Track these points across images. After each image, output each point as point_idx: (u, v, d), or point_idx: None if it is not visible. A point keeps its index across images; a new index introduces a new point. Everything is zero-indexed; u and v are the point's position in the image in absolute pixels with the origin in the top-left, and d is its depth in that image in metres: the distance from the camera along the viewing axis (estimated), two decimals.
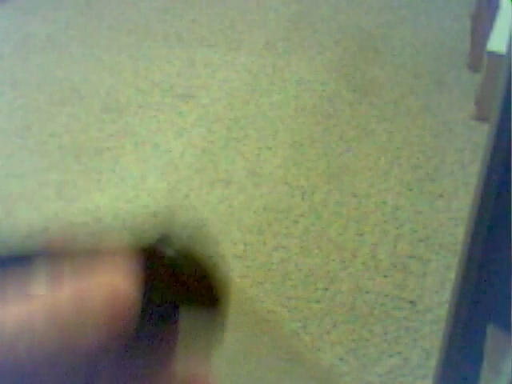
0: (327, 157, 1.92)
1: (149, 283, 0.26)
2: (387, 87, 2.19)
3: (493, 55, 1.90)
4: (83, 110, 2.05)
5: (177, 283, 0.27)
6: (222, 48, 2.37)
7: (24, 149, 1.90)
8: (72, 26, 2.45)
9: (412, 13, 2.57)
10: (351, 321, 1.51)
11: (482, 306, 1.01)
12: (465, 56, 2.30)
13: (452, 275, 1.39)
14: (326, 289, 1.57)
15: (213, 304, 0.28)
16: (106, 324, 0.24)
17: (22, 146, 1.91)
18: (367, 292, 1.56)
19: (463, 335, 1.04)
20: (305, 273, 1.60)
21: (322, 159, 1.91)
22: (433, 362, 1.35)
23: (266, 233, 1.69)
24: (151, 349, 0.28)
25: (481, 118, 2.01)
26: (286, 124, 2.03)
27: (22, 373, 0.23)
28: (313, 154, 1.93)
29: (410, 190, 1.83)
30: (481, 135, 1.91)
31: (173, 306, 0.27)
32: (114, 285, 0.24)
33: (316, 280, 1.58)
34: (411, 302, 1.55)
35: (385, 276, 1.60)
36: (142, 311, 0.25)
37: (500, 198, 0.94)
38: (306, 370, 1.43)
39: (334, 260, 1.63)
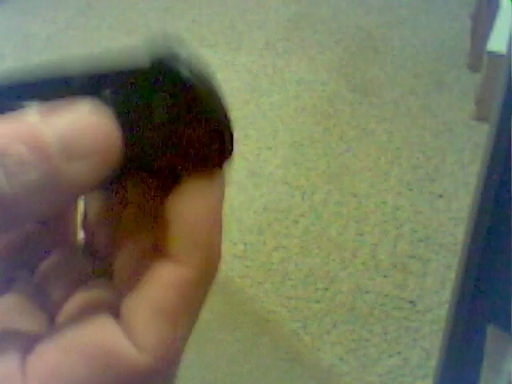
0: (327, 157, 1.92)
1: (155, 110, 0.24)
2: (387, 87, 2.18)
3: (493, 55, 1.90)
4: None
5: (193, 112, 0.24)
6: (221, 48, 2.37)
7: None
8: (72, 26, 2.45)
9: (412, 13, 2.57)
10: (351, 321, 1.51)
11: (481, 306, 1.01)
12: (465, 56, 2.30)
13: (452, 275, 1.39)
14: (326, 289, 1.57)
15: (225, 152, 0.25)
16: (92, 157, 0.23)
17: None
18: (367, 292, 1.56)
19: (463, 335, 1.04)
20: (305, 273, 1.60)
21: (321, 159, 1.91)
22: (433, 362, 1.35)
23: (266, 233, 1.69)
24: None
25: (481, 118, 2.01)
26: (285, 124, 2.03)
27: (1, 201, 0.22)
28: (313, 154, 1.93)
29: (410, 190, 1.83)
30: (481, 135, 1.91)
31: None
32: (95, 116, 0.23)
33: (316, 280, 1.58)
34: (411, 302, 1.55)
35: (385, 276, 1.60)
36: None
37: (500, 198, 0.94)
38: (306, 369, 1.43)
39: (334, 260, 1.63)
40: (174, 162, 0.25)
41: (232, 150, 0.26)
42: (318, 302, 1.54)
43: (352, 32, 2.46)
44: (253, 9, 2.59)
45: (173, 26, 2.47)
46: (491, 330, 0.99)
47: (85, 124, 0.23)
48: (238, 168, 1.86)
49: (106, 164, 0.23)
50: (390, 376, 1.41)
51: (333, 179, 1.84)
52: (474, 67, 2.22)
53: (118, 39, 2.37)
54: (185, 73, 0.25)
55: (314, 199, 1.78)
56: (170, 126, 0.24)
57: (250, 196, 1.78)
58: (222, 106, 0.25)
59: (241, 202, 1.76)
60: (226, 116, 0.25)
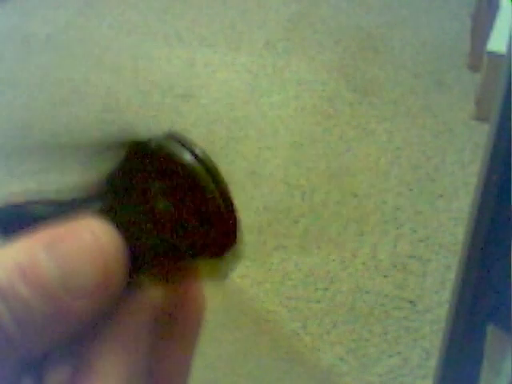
0: (327, 157, 1.92)
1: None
2: (387, 87, 2.18)
3: (493, 55, 1.90)
4: (83, 110, 2.05)
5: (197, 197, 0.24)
6: (222, 48, 2.36)
7: (24, 149, 1.89)
8: (72, 26, 2.45)
9: (412, 13, 2.57)
10: (351, 321, 1.51)
11: (481, 306, 1.01)
12: (465, 56, 2.30)
13: (452, 275, 1.39)
14: (326, 289, 1.57)
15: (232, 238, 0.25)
16: (96, 285, 0.22)
17: (22, 145, 1.91)
18: (367, 292, 1.56)
19: (463, 335, 1.04)
20: (305, 273, 1.60)
21: (321, 159, 1.91)
22: (433, 362, 1.35)
23: (266, 233, 1.69)
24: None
25: (481, 118, 2.01)
26: (285, 124, 2.02)
27: (8, 342, 0.22)
28: (313, 154, 1.93)
29: (410, 190, 1.83)
30: (481, 135, 1.91)
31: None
32: (96, 238, 0.23)
33: (316, 280, 1.58)
34: (411, 302, 1.55)
35: (385, 276, 1.60)
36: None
37: (500, 198, 0.94)
38: (306, 369, 1.43)
39: (334, 260, 1.63)
40: (179, 252, 0.24)
41: (236, 236, 0.25)
42: (318, 302, 1.54)
43: (352, 32, 2.46)
44: (253, 9, 2.59)
45: (173, 26, 2.47)
46: (491, 330, 0.99)
47: (88, 252, 0.23)
48: (237, 168, 1.86)
49: (112, 290, 0.23)
50: (390, 376, 1.41)
51: (333, 179, 1.84)
52: (474, 67, 2.22)
53: (118, 39, 2.37)
54: (187, 157, 0.24)
55: (314, 199, 1.78)
56: (172, 215, 0.24)
57: (250, 196, 1.78)
58: (225, 192, 0.25)
59: (241, 202, 1.76)
60: (229, 201, 0.25)
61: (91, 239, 0.23)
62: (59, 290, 0.22)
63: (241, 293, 1.56)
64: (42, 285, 0.22)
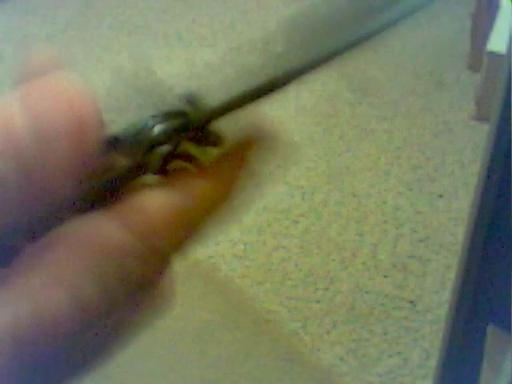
0: (327, 157, 1.92)
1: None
2: (387, 87, 2.18)
3: (493, 55, 1.90)
4: None
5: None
6: (222, 48, 2.36)
7: None
8: (72, 26, 2.45)
9: None
10: (351, 321, 1.51)
11: (482, 306, 1.01)
12: (465, 56, 2.30)
13: (452, 275, 1.39)
14: (326, 289, 1.57)
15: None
16: (66, 139, 0.21)
17: None
18: (367, 292, 1.56)
19: (463, 335, 1.04)
20: (305, 273, 1.60)
21: (321, 159, 1.91)
22: (433, 362, 1.35)
23: (266, 233, 1.69)
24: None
25: (481, 118, 2.01)
26: (285, 124, 2.03)
27: None
28: (313, 154, 1.93)
29: (410, 190, 1.83)
30: (481, 135, 1.91)
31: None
32: (70, 95, 0.22)
33: (316, 280, 1.58)
34: (411, 302, 1.55)
35: (385, 276, 1.60)
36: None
37: (500, 198, 0.94)
38: (306, 370, 1.43)
39: (334, 260, 1.63)
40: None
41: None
42: (318, 302, 1.54)
43: None
44: (253, 9, 2.59)
45: (173, 26, 2.47)
46: (491, 330, 0.99)
47: (61, 105, 0.22)
48: None
49: (83, 147, 0.22)
50: (390, 376, 1.41)
51: (333, 179, 1.84)
52: (474, 67, 2.22)
53: (118, 39, 2.37)
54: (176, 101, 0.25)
55: (314, 199, 1.78)
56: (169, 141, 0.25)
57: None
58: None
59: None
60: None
61: (68, 95, 0.22)
62: (28, 142, 0.21)
63: (241, 293, 1.56)
64: (11, 137, 0.21)
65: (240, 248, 1.65)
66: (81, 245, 0.22)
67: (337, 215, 1.74)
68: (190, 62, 2.29)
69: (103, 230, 0.23)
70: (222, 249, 1.64)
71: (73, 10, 2.55)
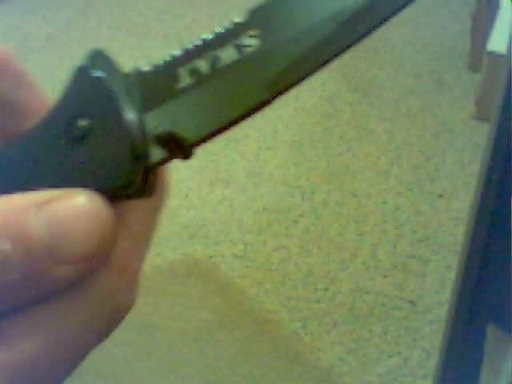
0: (327, 157, 1.92)
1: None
2: (387, 87, 2.18)
3: (493, 55, 1.90)
4: None
5: None
6: None
7: None
8: (72, 26, 2.45)
9: (412, 13, 2.57)
10: (351, 321, 1.51)
11: (481, 306, 1.01)
12: (465, 56, 2.30)
13: (452, 275, 1.39)
14: (326, 289, 1.57)
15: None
16: (86, 253, 0.21)
17: None
18: (367, 292, 1.56)
19: (463, 335, 1.04)
20: (305, 273, 1.60)
21: (321, 159, 1.91)
22: (433, 362, 1.35)
23: (266, 233, 1.69)
24: None
25: (481, 118, 2.01)
26: (285, 124, 2.02)
27: None
28: (313, 154, 1.93)
29: (410, 190, 1.83)
30: (481, 135, 1.91)
31: None
32: (93, 204, 0.21)
33: (316, 280, 1.58)
34: (411, 302, 1.55)
35: (385, 276, 1.60)
36: None
37: (500, 198, 0.94)
38: (306, 369, 1.43)
39: (333, 260, 1.63)
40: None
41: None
42: (317, 302, 1.54)
43: None
44: None
45: (173, 26, 2.47)
46: (491, 330, 0.99)
47: (78, 222, 0.21)
48: (237, 168, 1.86)
49: (96, 265, 0.22)
50: (390, 376, 1.41)
51: (333, 179, 1.84)
52: (474, 67, 2.22)
53: (118, 39, 2.37)
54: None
55: (314, 199, 1.78)
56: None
57: (250, 196, 1.78)
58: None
59: (241, 202, 1.76)
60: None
61: (88, 205, 0.21)
62: (43, 252, 0.21)
63: (241, 293, 1.56)
64: (26, 242, 0.20)
65: (240, 248, 1.65)
66: None
67: (337, 215, 1.74)
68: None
69: None
70: (222, 249, 1.64)
71: (73, 10, 2.55)
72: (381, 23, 0.25)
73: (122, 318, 0.24)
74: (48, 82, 2.09)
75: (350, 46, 0.25)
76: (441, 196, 1.81)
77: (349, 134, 2.00)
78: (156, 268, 1.58)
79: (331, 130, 2.01)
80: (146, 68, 0.26)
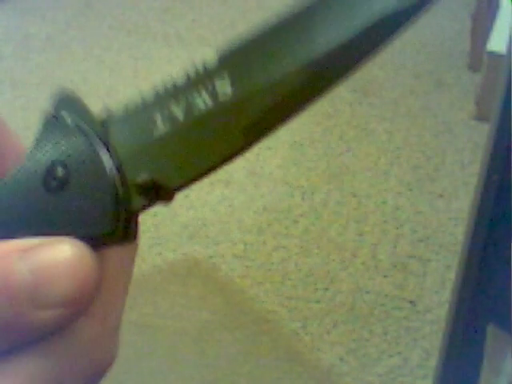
0: (327, 157, 1.92)
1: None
2: (387, 87, 2.18)
3: (493, 55, 1.90)
4: None
5: None
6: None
7: None
8: (72, 26, 2.45)
9: None
10: (351, 321, 1.51)
11: (482, 306, 1.01)
12: (465, 56, 2.30)
13: (452, 275, 1.39)
14: (326, 289, 1.57)
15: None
16: (69, 300, 0.21)
17: None
18: (367, 292, 1.56)
19: (463, 335, 1.04)
20: (305, 273, 1.60)
21: (321, 159, 1.91)
22: (433, 362, 1.35)
23: (266, 233, 1.69)
24: None
25: (481, 118, 2.01)
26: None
27: None
28: (313, 154, 1.93)
29: (410, 189, 1.83)
30: (481, 135, 1.91)
31: None
32: (77, 252, 0.22)
33: (316, 280, 1.58)
34: (411, 302, 1.55)
35: (385, 276, 1.60)
36: None
37: (500, 198, 0.94)
38: (306, 369, 1.43)
39: (334, 260, 1.63)
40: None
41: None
42: (317, 302, 1.54)
43: None
44: (253, 9, 2.59)
45: (173, 26, 2.47)
46: (491, 330, 0.99)
47: (62, 267, 0.21)
48: (237, 168, 1.86)
49: (78, 312, 0.22)
50: (390, 376, 1.41)
51: (333, 179, 1.84)
52: (474, 67, 2.22)
53: (118, 39, 2.37)
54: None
55: (314, 199, 1.78)
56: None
57: (250, 196, 1.78)
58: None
59: (241, 202, 1.76)
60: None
61: (71, 251, 0.22)
62: (26, 296, 0.21)
63: (241, 293, 1.56)
64: (8, 286, 0.21)
65: (240, 248, 1.65)
66: None
67: (337, 215, 1.74)
68: (190, 62, 2.29)
69: None
70: (222, 249, 1.64)
71: (73, 10, 2.55)
72: (358, 65, 0.25)
73: (102, 373, 0.24)
74: (48, 82, 2.09)
75: (326, 90, 0.26)
76: (441, 196, 1.82)
77: (349, 134, 2.00)
78: (156, 268, 1.58)
79: (331, 130, 2.01)
80: (118, 112, 0.25)
